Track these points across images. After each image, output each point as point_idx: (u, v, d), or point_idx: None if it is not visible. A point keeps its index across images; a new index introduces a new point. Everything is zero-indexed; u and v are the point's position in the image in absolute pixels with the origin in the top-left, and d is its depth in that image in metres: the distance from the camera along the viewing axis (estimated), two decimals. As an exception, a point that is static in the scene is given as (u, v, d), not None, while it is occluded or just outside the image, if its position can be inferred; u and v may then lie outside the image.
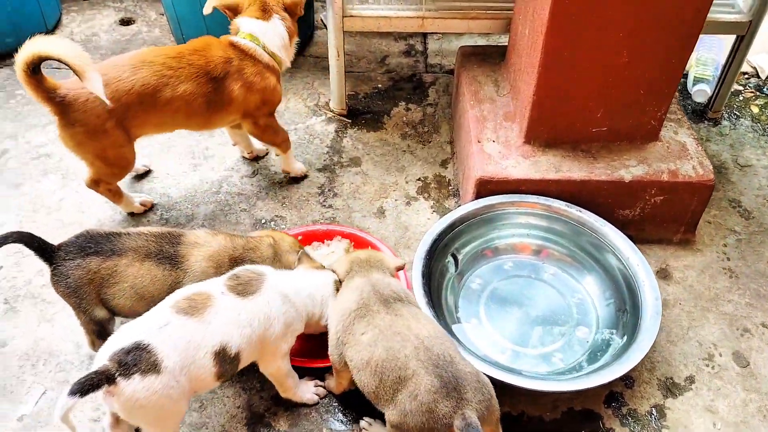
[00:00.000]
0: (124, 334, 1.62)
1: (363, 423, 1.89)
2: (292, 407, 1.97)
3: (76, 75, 1.99)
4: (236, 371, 1.77)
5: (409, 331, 1.65)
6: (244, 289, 1.76)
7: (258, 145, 2.72)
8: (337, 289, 1.90)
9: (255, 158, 2.75)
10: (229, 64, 2.29)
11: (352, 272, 1.85)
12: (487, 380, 1.62)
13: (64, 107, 2.12)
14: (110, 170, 2.33)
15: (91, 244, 1.86)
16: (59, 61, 1.97)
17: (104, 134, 2.19)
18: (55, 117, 2.14)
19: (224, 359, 1.68)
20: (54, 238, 2.39)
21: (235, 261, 1.92)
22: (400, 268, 1.93)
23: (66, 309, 2.17)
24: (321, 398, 1.99)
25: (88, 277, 1.84)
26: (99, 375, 1.51)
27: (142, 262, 1.85)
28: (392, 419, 1.63)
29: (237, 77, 2.29)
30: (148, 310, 1.74)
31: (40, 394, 2.00)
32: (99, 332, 1.93)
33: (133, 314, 1.84)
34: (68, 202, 2.57)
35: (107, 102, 2.09)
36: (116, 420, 1.82)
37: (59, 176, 2.68)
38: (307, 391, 1.97)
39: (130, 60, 2.22)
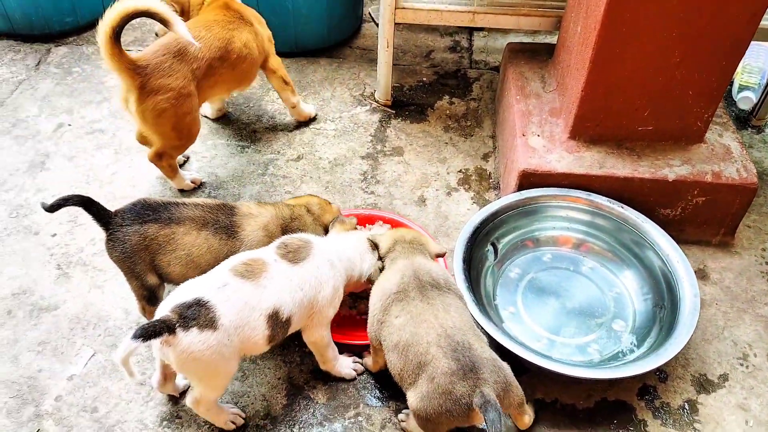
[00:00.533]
0: (186, 290, 1.70)
1: (401, 416, 1.93)
2: (330, 381, 2.03)
3: (165, 25, 2.11)
4: (286, 335, 1.84)
5: (435, 320, 1.71)
6: (294, 256, 1.84)
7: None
8: (373, 246, 1.98)
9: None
10: (244, 16, 2.56)
11: (396, 252, 1.91)
12: (506, 365, 1.68)
13: (146, 77, 2.22)
14: (180, 141, 2.44)
15: (149, 211, 1.93)
16: (147, 15, 2.07)
17: (188, 97, 2.32)
18: (135, 90, 2.24)
19: (276, 322, 1.76)
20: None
21: (284, 230, 2.01)
22: (440, 255, 1.98)
23: (116, 277, 2.26)
24: (358, 374, 2.04)
25: (144, 243, 1.91)
26: (162, 323, 1.60)
27: (199, 231, 1.93)
28: (414, 405, 1.68)
29: (252, 28, 2.57)
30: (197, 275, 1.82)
31: (89, 356, 2.09)
32: (149, 298, 2.00)
33: (183, 281, 1.88)
34: (120, 176, 2.66)
35: (197, 44, 2.25)
36: (164, 378, 1.90)
37: (112, 151, 2.77)
38: (345, 365, 2.02)
39: (197, 23, 2.41)
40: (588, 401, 2.00)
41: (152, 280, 1.97)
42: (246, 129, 2.89)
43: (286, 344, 2.11)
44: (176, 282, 1.97)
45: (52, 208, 1.85)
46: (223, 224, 1.95)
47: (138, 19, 2.22)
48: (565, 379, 1.96)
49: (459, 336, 1.68)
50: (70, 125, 2.87)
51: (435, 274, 1.86)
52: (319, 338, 1.92)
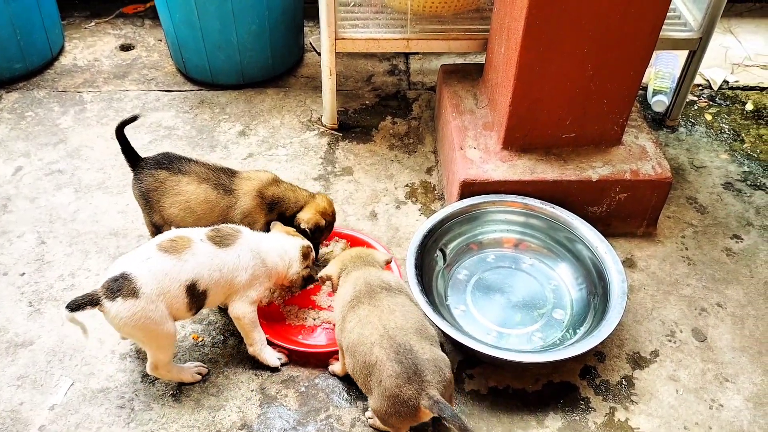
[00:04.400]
0: (116, 266, 1.97)
1: (368, 414, 2.08)
2: (301, 389, 2.18)
3: None
4: (202, 306, 2.08)
5: (378, 321, 1.88)
6: (221, 241, 2.10)
7: None
8: (304, 254, 2.22)
9: None
10: None
11: (347, 268, 2.08)
12: (445, 363, 1.84)
13: None
14: None
15: (165, 161, 2.29)
16: None
17: None
18: None
19: (193, 293, 2.01)
20: (71, 247, 2.61)
21: (271, 201, 2.36)
22: (388, 262, 2.17)
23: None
24: (282, 365, 2.23)
25: (155, 185, 2.26)
26: (87, 297, 1.89)
27: (200, 183, 2.28)
28: (371, 405, 1.89)
29: None
30: (195, 225, 2.21)
31: (68, 385, 2.19)
32: (156, 233, 2.36)
33: (183, 224, 2.27)
34: (82, 213, 2.77)
35: None
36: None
37: (72, 190, 2.87)
38: (270, 353, 2.22)
39: None
40: (536, 385, 2.21)
41: (156, 218, 2.34)
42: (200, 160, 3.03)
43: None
44: (176, 224, 2.31)
45: (120, 130, 2.30)
46: (223, 183, 2.31)
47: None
48: (514, 365, 2.17)
49: (401, 337, 1.83)
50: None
51: (385, 277, 2.03)
52: (241, 314, 2.13)
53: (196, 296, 2.03)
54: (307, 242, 2.28)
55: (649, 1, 2.19)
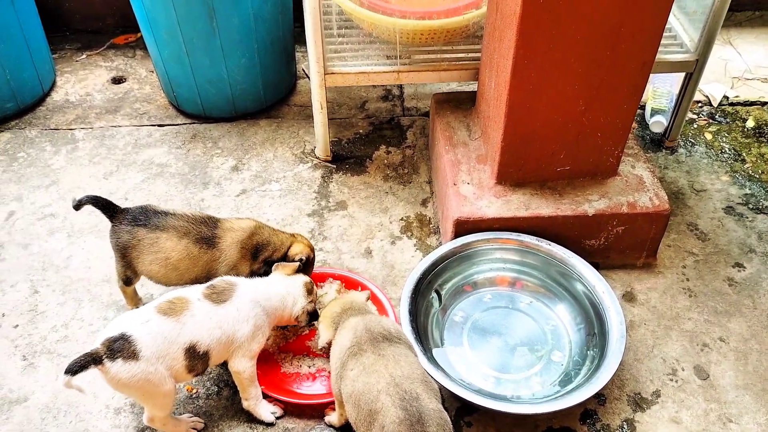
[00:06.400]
0: (115, 325, 1.95)
1: None
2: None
3: None
4: (207, 367, 2.07)
5: (385, 370, 1.85)
6: (218, 297, 2.07)
7: None
8: (308, 290, 2.22)
9: None
10: None
11: (341, 322, 2.05)
12: (447, 418, 1.82)
13: None
14: None
15: (143, 216, 2.24)
16: None
17: None
18: None
19: (193, 355, 2.00)
20: (64, 295, 2.59)
21: (256, 247, 2.33)
22: (368, 298, 2.19)
23: (81, 362, 2.37)
24: (277, 418, 2.21)
25: (132, 242, 2.23)
26: (89, 356, 1.86)
27: (180, 238, 2.22)
28: None
29: None
30: (178, 281, 2.24)
31: (62, 443, 2.17)
32: (126, 281, 2.37)
33: (164, 281, 2.30)
34: (75, 259, 2.75)
35: None
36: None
37: (65, 234, 2.85)
38: (265, 408, 2.20)
39: None
40: (536, 431, 2.17)
41: (130, 273, 2.31)
42: (194, 198, 3.01)
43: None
44: (156, 280, 2.30)
45: (77, 207, 2.27)
46: (205, 235, 2.25)
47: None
48: (511, 415, 2.14)
49: (407, 385, 1.82)
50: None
51: (385, 324, 2.01)
52: (241, 369, 2.11)
53: (196, 358, 2.01)
54: (308, 278, 2.28)
55: (638, 39, 2.14)
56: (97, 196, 2.26)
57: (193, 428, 2.17)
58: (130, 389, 1.95)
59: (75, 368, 1.83)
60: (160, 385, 1.96)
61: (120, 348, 1.90)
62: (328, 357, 2.10)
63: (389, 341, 1.95)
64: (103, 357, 1.88)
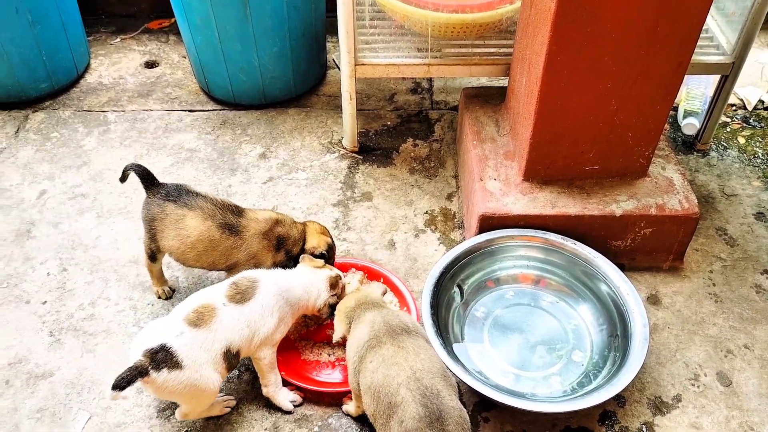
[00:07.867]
0: (151, 336, 1.98)
1: None
2: (314, 429, 2.17)
3: None
4: (239, 360, 2.12)
5: (405, 362, 1.86)
6: (242, 297, 2.10)
7: None
8: (332, 284, 2.24)
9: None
10: None
11: (356, 316, 2.06)
12: (467, 417, 1.82)
13: None
14: None
15: (175, 193, 2.30)
16: None
17: None
18: None
19: (230, 356, 2.05)
20: (92, 274, 2.64)
21: (278, 240, 2.37)
22: (384, 293, 2.21)
23: (106, 341, 2.41)
24: (296, 406, 2.23)
25: (160, 216, 2.29)
26: (135, 370, 1.89)
27: (204, 220, 2.27)
28: None
29: None
30: (194, 262, 2.32)
31: (86, 419, 2.21)
32: (151, 256, 2.41)
33: (181, 260, 2.34)
34: (103, 239, 2.79)
35: None
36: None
37: (94, 215, 2.90)
38: (284, 396, 2.22)
39: None
40: (554, 430, 2.16)
41: (154, 246, 2.35)
42: (221, 183, 3.04)
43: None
44: (176, 257, 2.34)
45: (123, 178, 2.37)
46: (229, 222, 2.29)
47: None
48: (530, 413, 2.13)
49: (427, 380, 1.82)
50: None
51: (403, 318, 2.02)
52: (262, 355, 2.14)
53: (233, 357, 2.07)
54: (335, 272, 2.30)
55: (674, 39, 2.11)
56: (140, 165, 2.32)
57: (227, 407, 2.22)
58: (178, 395, 2.01)
59: (122, 384, 1.86)
60: (206, 388, 2.01)
61: (163, 359, 1.93)
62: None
63: (408, 334, 1.96)
64: (149, 368, 1.91)
